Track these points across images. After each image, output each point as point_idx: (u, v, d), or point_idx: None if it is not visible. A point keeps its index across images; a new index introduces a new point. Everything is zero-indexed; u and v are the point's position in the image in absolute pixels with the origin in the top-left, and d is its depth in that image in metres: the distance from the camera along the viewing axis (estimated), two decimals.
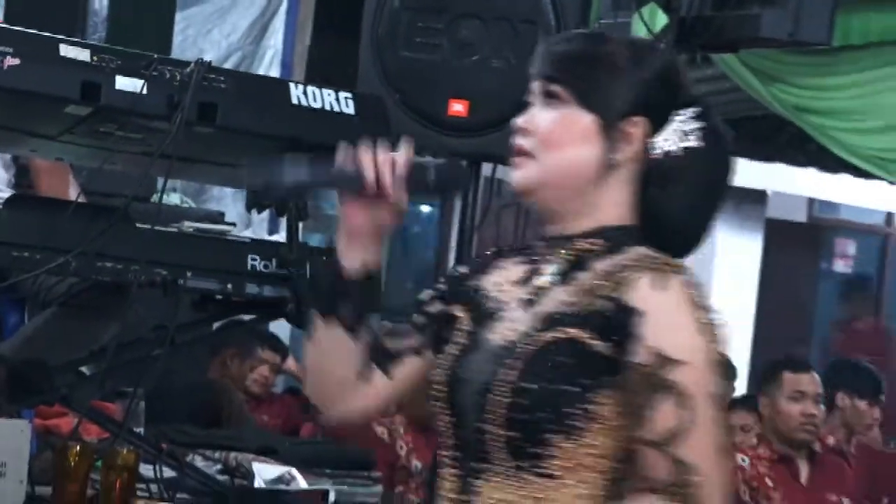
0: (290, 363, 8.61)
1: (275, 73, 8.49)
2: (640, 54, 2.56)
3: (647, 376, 2.37)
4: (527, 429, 2.39)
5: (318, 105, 4.18)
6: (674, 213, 2.53)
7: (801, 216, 13.26)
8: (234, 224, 6.17)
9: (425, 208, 12.20)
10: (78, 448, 4.16)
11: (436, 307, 2.58)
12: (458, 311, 2.54)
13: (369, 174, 2.44)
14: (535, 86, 2.53)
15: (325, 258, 2.48)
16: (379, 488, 5.07)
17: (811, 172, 11.22)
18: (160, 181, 6.49)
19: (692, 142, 2.51)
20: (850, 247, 13.89)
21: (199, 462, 4.79)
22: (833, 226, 13.77)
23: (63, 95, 3.90)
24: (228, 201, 8.01)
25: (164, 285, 4.24)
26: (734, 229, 12.35)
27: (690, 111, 2.53)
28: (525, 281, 2.51)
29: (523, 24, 4.74)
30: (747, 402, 7.29)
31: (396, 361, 2.57)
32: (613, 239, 2.49)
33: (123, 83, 3.95)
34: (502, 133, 4.74)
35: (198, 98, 4.00)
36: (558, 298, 2.45)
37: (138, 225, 4.33)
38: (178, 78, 4.01)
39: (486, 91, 4.70)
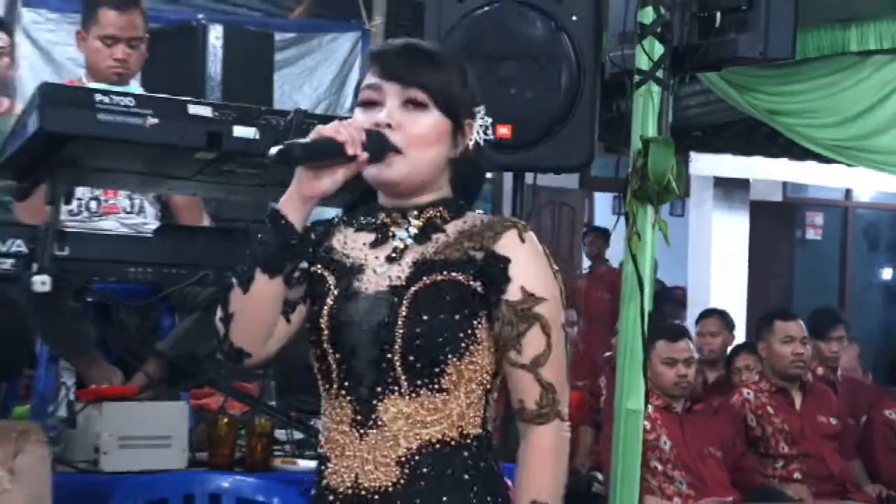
0: None
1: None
2: (463, 64, 2.56)
3: (518, 310, 2.40)
4: (423, 353, 2.39)
5: None
6: (470, 193, 2.58)
7: (777, 197, 13.23)
8: None
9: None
10: (225, 420, 4.17)
11: (303, 265, 2.49)
12: (321, 271, 2.49)
13: (350, 142, 2.37)
14: (389, 87, 2.45)
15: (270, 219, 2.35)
16: None
17: (783, 162, 11.19)
18: None
19: (485, 136, 2.54)
20: (819, 218, 13.87)
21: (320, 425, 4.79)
22: (804, 203, 13.73)
23: (193, 145, 3.91)
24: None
25: None
26: (725, 210, 12.34)
27: (482, 109, 2.55)
28: (379, 242, 2.49)
29: (549, 63, 4.74)
30: (748, 346, 7.25)
31: (293, 309, 2.47)
32: (451, 208, 2.51)
33: (240, 131, 3.95)
34: (537, 149, 4.78)
35: (298, 138, 4.00)
36: (423, 252, 2.46)
37: None
38: (282, 124, 4.02)
39: (523, 116, 4.69)
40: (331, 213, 7.55)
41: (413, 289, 2.41)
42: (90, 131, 3.76)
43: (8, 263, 3.88)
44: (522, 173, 5.02)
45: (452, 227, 2.49)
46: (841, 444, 6.49)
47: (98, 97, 3.80)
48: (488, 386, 2.47)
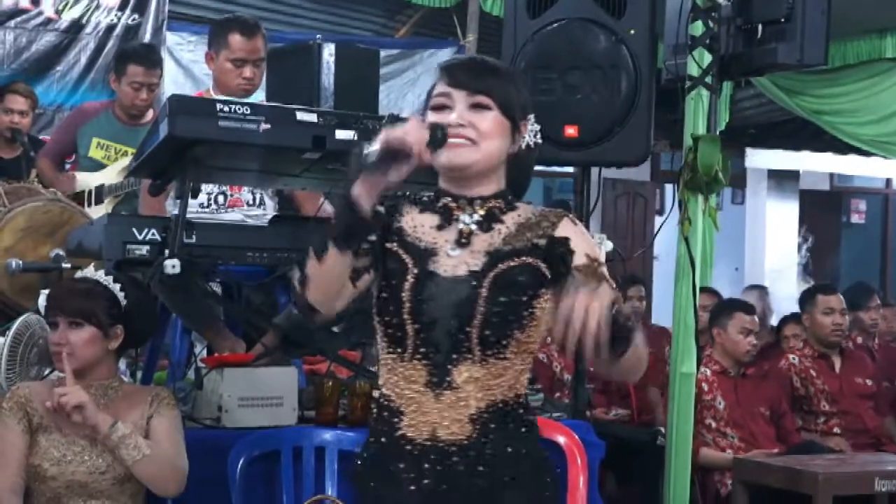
0: None
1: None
2: (517, 75, 2.66)
3: (589, 270, 2.43)
4: (496, 329, 2.44)
5: None
6: (519, 188, 2.62)
7: (825, 186, 13.01)
8: None
9: None
10: (330, 382, 4.17)
11: (372, 238, 2.48)
12: (396, 249, 2.51)
13: (415, 143, 2.36)
14: (457, 94, 2.49)
15: (343, 203, 2.35)
16: (541, 395, 5.00)
17: (829, 155, 11.07)
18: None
19: (535, 139, 2.59)
20: (862, 205, 13.62)
21: None
22: (848, 191, 13.48)
23: (300, 146, 3.91)
24: None
25: None
26: (777, 199, 12.20)
27: (532, 117, 2.59)
28: (445, 225, 2.53)
29: (610, 71, 4.69)
30: (795, 317, 7.12)
31: (359, 276, 2.47)
32: (506, 201, 2.56)
33: (341, 134, 3.94)
34: (600, 147, 4.73)
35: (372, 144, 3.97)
36: (492, 242, 2.51)
37: None
38: (378, 127, 3.98)
39: (588, 118, 4.67)
40: None
41: (491, 274, 2.46)
42: (212, 136, 3.77)
43: (144, 249, 3.90)
44: (588, 168, 4.98)
45: (511, 219, 2.54)
46: (876, 402, 6.41)
47: (219, 106, 3.81)
48: (534, 354, 2.54)
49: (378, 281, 2.50)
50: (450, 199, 2.54)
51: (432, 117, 2.50)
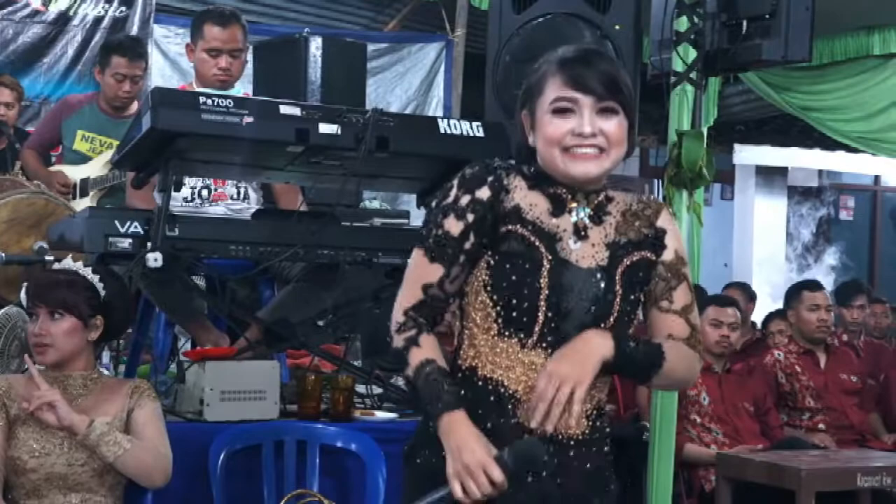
0: None
1: (439, 113, 8.46)
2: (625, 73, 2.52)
3: (673, 269, 2.50)
4: (625, 326, 2.46)
5: (458, 132, 4.13)
6: None
7: (813, 182, 13.02)
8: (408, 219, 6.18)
9: None
10: (312, 376, 4.17)
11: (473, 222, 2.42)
12: (521, 230, 2.43)
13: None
14: (585, 99, 2.39)
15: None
16: None
17: (817, 152, 11.07)
18: (364, 193, 6.59)
19: None
20: (850, 201, 13.62)
21: (400, 382, 4.77)
22: (837, 188, 13.50)
23: (284, 140, 3.90)
24: (413, 203, 8.01)
25: (364, 263, 4.24)
26: (766, 195, 12.21)
27: None
28: (558, 213, 2.46)
29: None
30: (781, 313, 7.12)
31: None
32: (606, 191, 2.51)
33: (324, 128, 3.94)
34: None
35: (375, 134, 3.97)
36: (607, 233, 2.48)
37: (343, 223, 4.34)
38: (361, 121, 3.99)
39: None
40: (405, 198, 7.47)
41: (620, 269, 2.45)
42: (195, 129, 3.77)
43: (126, 242, 3.89)
44: None
45: (614, 208, 2.52)
46: (861, 398, 6.40)
47: (202, 99, 3.81)
48: None
49: (491, 262, 2.43)
50: (562, 189, 2.46)
51: (556, 121, 2.41)
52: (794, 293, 6.57)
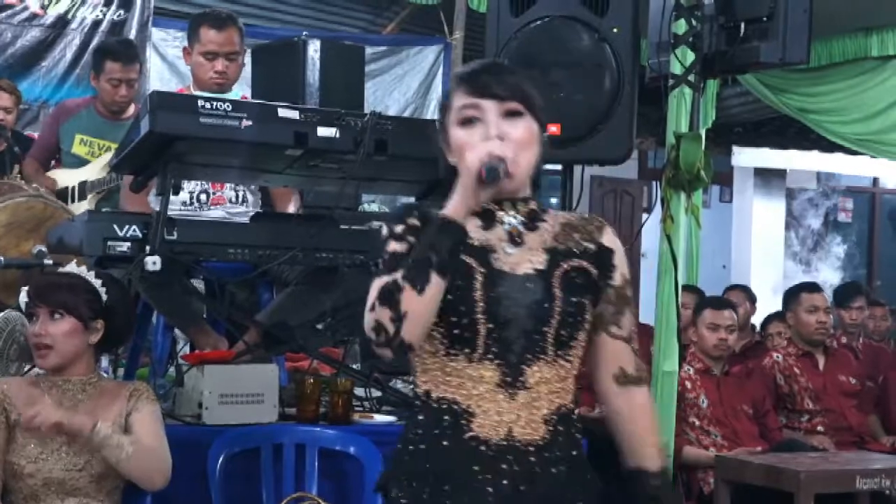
0: None
1: (437, 116, 8.46)
2: (536, 77, 2.51)
3: (620, 293, 2.49)
4: (570, 329, 2.40)
5: None
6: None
7: (812, 185, 13.03)
8: None
9: None
10: (311, 379, 4.17)
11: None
12: None
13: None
14: (487, 104, 2.37)
15: (440, 227, 2.27)
16: None
17: (816, 154, 11.08)
18: (363, 196, 6.59)
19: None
20: (849, 203, 13.64)
21: (398, 384, 4.77)
22: (836, 189, 13.51)
23: (282, 143, 3.91)
24: None
25: (363, 266, 4.24)
26: (764, 197, 12.21)
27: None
28: (489, 225, 2.44)
29: (593, 69, 4.69)
30: (779, 315, 7.12)
31: None
32: (538, 202, 2.49)
33: (323, 131, 3.95)
34: (583, 145, 4.73)
35: (373, 137, 3.98)
36: (545, 240, 2.45)
37: (342, 226, 4.34)
38: (360, 124, 4.00)
39: (571, 116, 4.64)
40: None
41: (557, 273, 2.42)
42: (193, 132, 3.78)
43: (125, 246, 3.90)
44: (571, 165, 4.98)
45: (551, 219, 2.49)
46: (859, 400, 6.39)
47: (200, 103, 3.82)
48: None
49: None
50: (488, 202, 2.43)
51: (461, 132, 2.39)
52: (793, 295, 6.56)
